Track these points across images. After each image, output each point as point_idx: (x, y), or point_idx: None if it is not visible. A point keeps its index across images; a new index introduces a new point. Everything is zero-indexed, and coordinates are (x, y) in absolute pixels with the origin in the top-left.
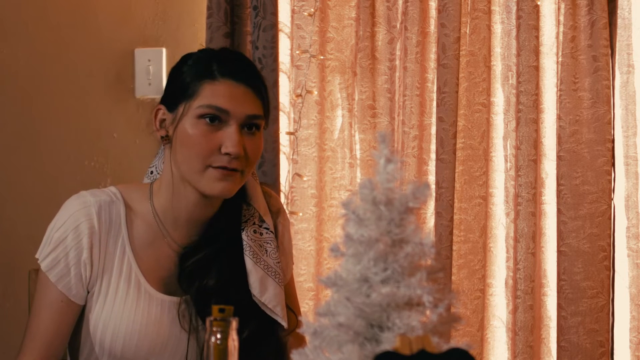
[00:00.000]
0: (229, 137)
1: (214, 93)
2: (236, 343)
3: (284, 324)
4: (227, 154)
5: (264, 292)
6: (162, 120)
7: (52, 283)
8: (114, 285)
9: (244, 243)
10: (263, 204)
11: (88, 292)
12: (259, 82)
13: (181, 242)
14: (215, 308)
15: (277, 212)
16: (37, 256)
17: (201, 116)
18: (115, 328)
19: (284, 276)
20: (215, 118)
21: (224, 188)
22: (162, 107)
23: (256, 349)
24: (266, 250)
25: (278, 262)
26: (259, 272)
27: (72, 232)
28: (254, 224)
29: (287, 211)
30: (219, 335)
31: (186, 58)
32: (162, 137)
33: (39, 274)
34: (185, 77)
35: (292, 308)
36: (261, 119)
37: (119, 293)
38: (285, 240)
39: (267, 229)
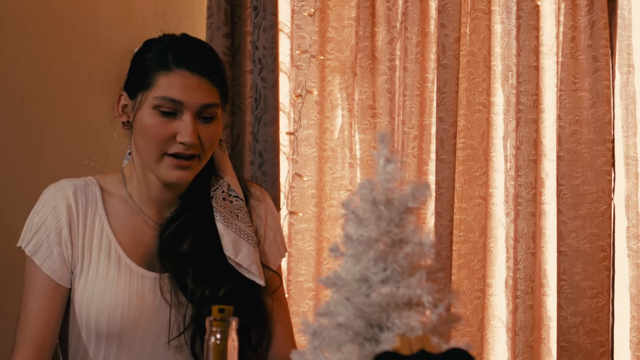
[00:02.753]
0: (184, 127)
1: (168, 84)
2: (236, 343)
3: (261, 282)
4: (182, 143)
5: (238, 253)
6: (124, 106)
7: (37, 268)
8: (95, 262)
9: (214, 209)
10: (232, 174)
11: (72, 273)
12: (213, 70)
13: (156, 219)
14: (215, 308)
15: (262, 201)
16: (19, 244)
17: (156, 107)
18: (98, 304)
19: (272, 263)
20: (170, 109)
21: (180, 176)
22: (124, 93)
23: (238, 309)
24: (237, 216)
25: (250, 226)
26: (230, 234)
27: (51, 213)
28: (223, 192)
29: (287, 211)
30: (218, 336)
31: (148, 43)
32: (123, 123)
33: (26, 263)
34: (143, 66)
35: (280, 302)
36: (216, 107)
37: (100, 269)
38: (270, 227)
39: (237, 197)
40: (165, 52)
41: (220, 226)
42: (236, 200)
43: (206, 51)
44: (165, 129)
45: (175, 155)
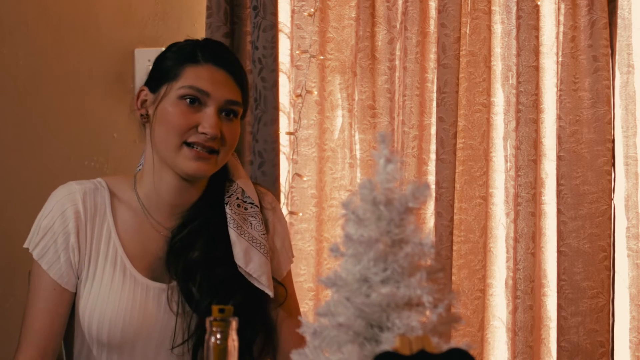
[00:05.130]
0: (207, 118)
1: (196, 75)
2: (236, 343)
3: (270, 293)
4: (203, 133)
5: (249, 263)
6: (144, 101)
7: (44, 272)
8: (100, 270)
9: (228, 216)
10: (246, 179)
11: (78, 279)
12: (239, 70)
13: (167, 225)
14: (215, 308)
15: (271, 209)
16: (26, 246)
17: (182, 97)
18: (101, 313)
19: (280, 271)
20: (196, 99)
21: (198, 168)
22: (145, 88)
23: (244, 322)
24: (250, 224)
25: (263, 234)
26: (243, 243)
27: (59, 218)
28: (237, 198)
29: (287, 211)
30: (218, 336)
31: (171, 46)
32: (141, 116)
33: (32, 265)
34: (169, 61)
35: (291, 300)
36: (239, 106)
37: (105, 278)
38: (278, 236)
39: (252, 203)
40: (194, 48)
41: (232, 234)
42: (251, 207)
43: (231, 52)
44: (188, 118)
45: (194, 145)
